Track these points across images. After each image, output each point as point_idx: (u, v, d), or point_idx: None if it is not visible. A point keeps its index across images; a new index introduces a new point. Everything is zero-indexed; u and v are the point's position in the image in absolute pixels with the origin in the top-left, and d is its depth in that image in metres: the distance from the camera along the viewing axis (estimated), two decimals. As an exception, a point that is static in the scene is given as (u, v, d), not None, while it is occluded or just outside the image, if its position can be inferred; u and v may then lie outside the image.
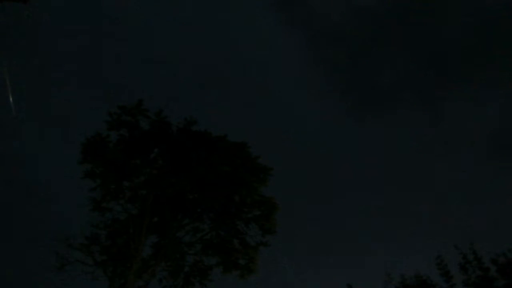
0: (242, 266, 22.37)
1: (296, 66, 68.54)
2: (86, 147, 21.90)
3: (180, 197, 22.37)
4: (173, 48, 66.76)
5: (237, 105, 64.10)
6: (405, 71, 66.80)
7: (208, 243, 22.55)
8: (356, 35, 65.52)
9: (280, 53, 69.78)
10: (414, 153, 64.57)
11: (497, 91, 62.14)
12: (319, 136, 64.63)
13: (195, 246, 22.68)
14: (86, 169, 21.89)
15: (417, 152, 65.03)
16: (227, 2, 63.89)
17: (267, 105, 69.28)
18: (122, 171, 21.88)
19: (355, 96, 69.26)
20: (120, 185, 22.07)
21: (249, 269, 22.34)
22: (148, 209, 21.45)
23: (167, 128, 22.26)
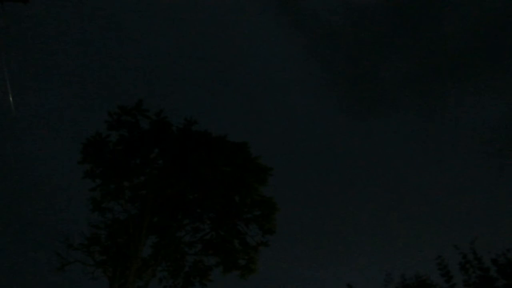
0: (242, 266, 22.37)
1: (296, 67, 68.52)
2: (86, 147, 21.88)
3: (180, 197, 22.35)
4: (174, 48, 66.74)
5: (237, 105, 64.09)
6: (405, 71, 66.77)
7: (208, 243, 22.54)
8: (356, 35, 65.50)
9: (281, 54, 69.79)
10: (414, 153, 64.62)
11: (498, 90, 62.13)
12: (319, 136, 64.61)
13: (195, 246, 22.68)
14: (86, 169, 21.89)
15: (417, 151, 65.06)
16: (228, 3, 63.90)
17: (267, 105, 69.26)
18: (122, 171, 21.87)
19: (355, 96, 69.25)
20: (120, 185, 22.04)
21: (249, 269, 22.34)
22: (148, 209, 21.43)
23: (167, 128, 22.23)
